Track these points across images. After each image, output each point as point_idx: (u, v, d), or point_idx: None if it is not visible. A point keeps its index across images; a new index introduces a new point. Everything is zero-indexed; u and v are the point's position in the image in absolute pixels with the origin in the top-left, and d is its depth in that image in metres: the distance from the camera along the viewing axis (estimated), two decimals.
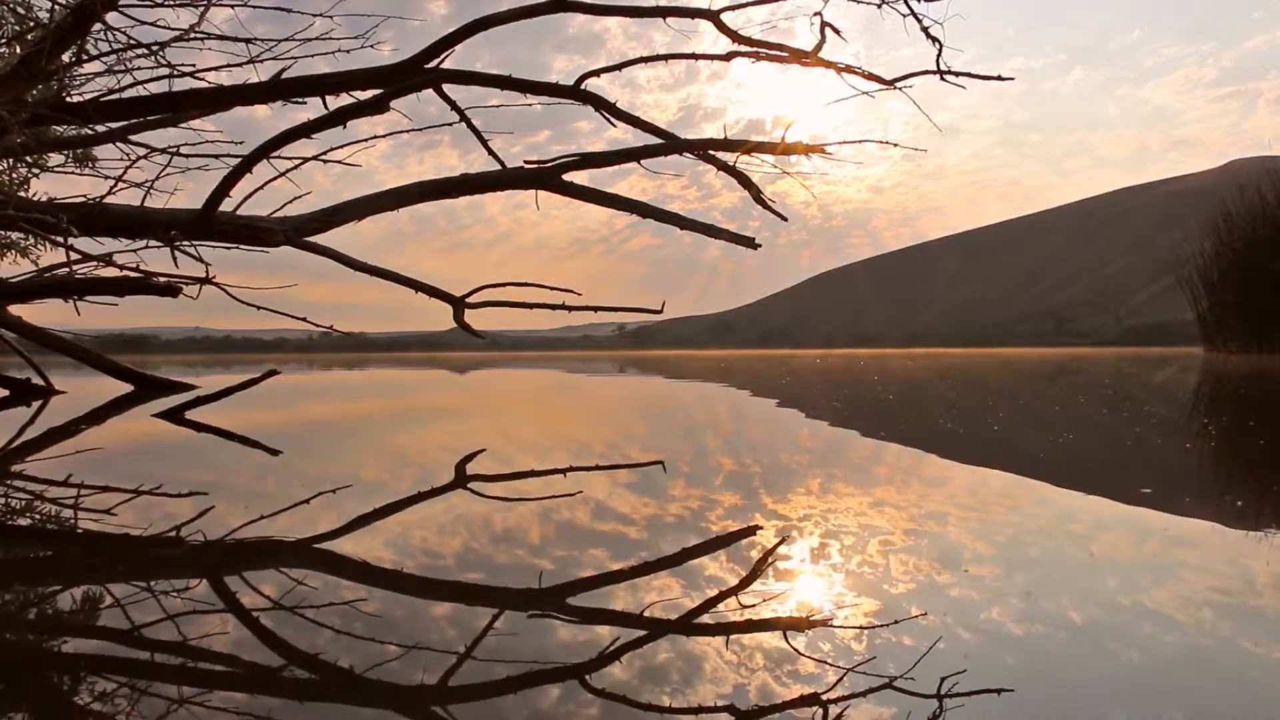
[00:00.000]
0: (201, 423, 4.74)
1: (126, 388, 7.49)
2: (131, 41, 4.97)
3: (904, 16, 5.01)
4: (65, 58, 4.95)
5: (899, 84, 5.12)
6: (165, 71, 5.11)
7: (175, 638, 1.29)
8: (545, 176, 5.51)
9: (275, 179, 5.33)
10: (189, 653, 1.23)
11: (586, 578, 1.59)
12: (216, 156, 5.84)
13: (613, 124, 5.35)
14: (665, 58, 5.49)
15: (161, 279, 5.13)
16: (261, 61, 5.17)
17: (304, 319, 5.35)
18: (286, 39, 5.18)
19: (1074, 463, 3.19)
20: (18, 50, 5.48)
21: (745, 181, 5.56)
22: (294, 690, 1.10)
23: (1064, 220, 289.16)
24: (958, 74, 5.13)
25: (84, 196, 5.51)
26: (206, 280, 5.12)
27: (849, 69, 5.18)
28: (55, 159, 6.51)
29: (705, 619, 1.35)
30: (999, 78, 5.29)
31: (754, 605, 1.41)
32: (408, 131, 5.50)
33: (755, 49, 5.24)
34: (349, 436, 4.45)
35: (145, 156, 5.81)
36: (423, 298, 5.75)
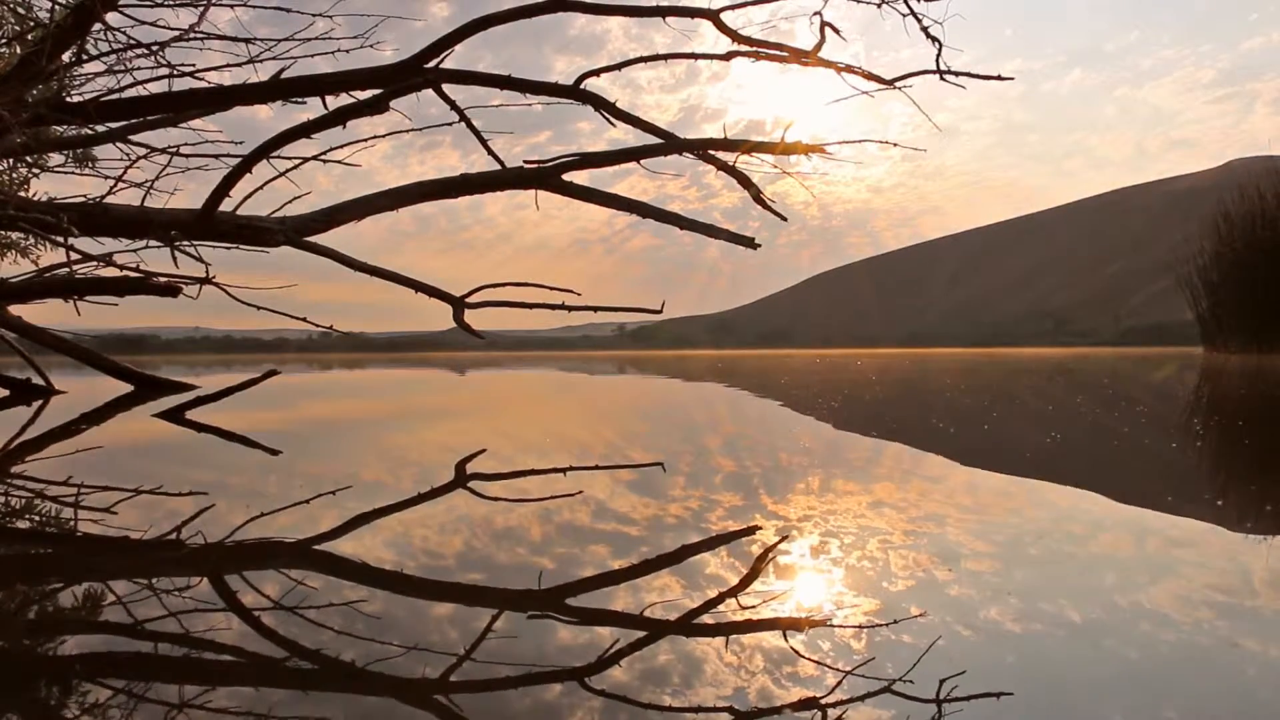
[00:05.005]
0: (202, 423, 4.74)
1: (126, 388, 7.48)
2: (131, 41, 4.96)
3: (904, 16, 5.01)
4: (65, 58, 4.95)
5: (899, 84, 5.13)
6: (165, 71, 5.10)
7: (176, 638, 1.29)
8: (545, 176, 5.51)
9: (275, 179, 5.33)
10: (192, 643, 1.23)
11: (586, 578, 1.59)
12: (216, 156, 5.84)
13: (613, 124, 5.35)
14: (665, 57, 5.49)
15: (161, 279, 5.13)
16: (261, 61, 5.17)
17: (304, 319, 5.35)
18: (286, 39, 5.17)
19: (1071, 462, 3.19)
20: (18, 50, 5.47)
21: (745, 181, 5.56)
22: (297, 683, 1.10)
23: (1064, 220, 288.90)
24: (957, 74, 5.13)
25: (84, 196, 5.51)
26: (206, 280, 5.12)
27: (849, 69, 5.17)
28: (55, 159, 6.50)
29: (705, 619, 1.36)
30: (998, 78, 5.30)
31: (754, 606, 1.41)
32: (408, 132, 5.51)
33: (755, 49, 5.24)
34: (349, 436, 4.45)
35: (145, 156, 5.81)
36: (423, 298, 5.75)
